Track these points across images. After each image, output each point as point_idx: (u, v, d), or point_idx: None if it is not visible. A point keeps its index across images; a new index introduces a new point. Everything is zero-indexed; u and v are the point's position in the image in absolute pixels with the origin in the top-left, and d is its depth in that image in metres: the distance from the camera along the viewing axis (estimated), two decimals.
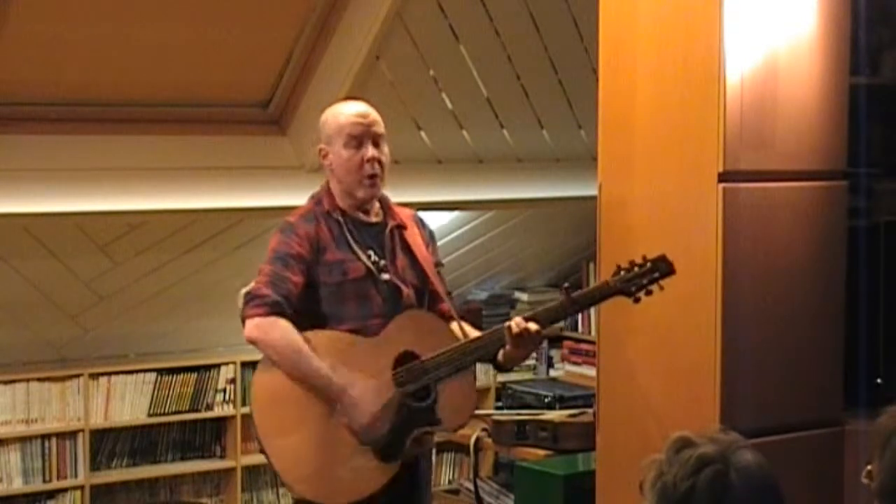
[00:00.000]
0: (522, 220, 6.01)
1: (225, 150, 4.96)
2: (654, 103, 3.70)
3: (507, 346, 3.39)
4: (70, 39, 4.44)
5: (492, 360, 3.48)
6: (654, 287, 3.37)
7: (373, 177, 3.44)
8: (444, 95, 5.23)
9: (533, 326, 3.35)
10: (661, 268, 3.38)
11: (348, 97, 3.67)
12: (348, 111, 3.50)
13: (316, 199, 3.51)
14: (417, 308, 3.52)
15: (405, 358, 3.41)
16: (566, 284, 3.46)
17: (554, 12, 5.13)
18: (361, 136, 3.44)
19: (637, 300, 3.38)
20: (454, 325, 3.53)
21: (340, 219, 3.45)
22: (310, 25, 4.81)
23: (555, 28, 5.19)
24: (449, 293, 3.61)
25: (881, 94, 4.09)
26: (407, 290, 3.48)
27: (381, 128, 3.48)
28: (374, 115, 3.49)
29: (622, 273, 3.38)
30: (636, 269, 3.38)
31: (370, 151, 3.43)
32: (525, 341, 3.37)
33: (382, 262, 3.47)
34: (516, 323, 3.36)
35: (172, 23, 4.52)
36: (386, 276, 3.46)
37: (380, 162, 3.45)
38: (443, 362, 3.40)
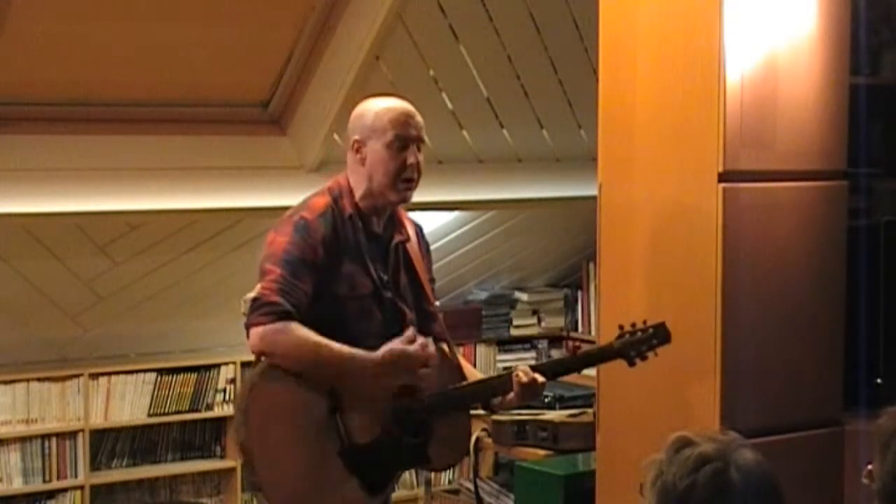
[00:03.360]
0: (522, 220, 6.01)
1: (225, 150, 4.95)
2: (654, 103, 3.70)
3: (511, 395, 3.32)
4: (70, 39, 4.44)
5: (485, 402, 3.43)
6: (650, 353, 3.40)
7: (409, 181, 3.29)
8: (444, 95, 5.23)
9: (540, 378, 3.31)
10: (660, 336, 3.39)
11: (374, 95, 3.53)
12: (399, 110, 3.32)
13: (334, 196, 3.31)
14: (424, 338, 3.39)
15: (405, 390, 3.31)
16: (576, 343, 3.46)
17: (554, 12, 5.13)
18: (408, 139, 3.28)
19: (632, 364, 3.41)
20: (443, 346, 3.45)
21: (360, 225, 3.30)
22: (310, 25, 4.81)
23: (555, 28, 5.18)
24: (440, 310, 3.55)
25: (881, 94, 4.09)
26: (410, 314, 3.38)
27: (424, 134, 3.36)
28: (420, 118, 3.35)
29: (626, 336, 3.39)
30: (638, 334, 3.38)
31: (413, 157, 3.29)
32: (530, 391, 3.32)
33: (386, 279, 3.35)
34: (524, 372, 3.31)
35: (173, 23, 4.52)
36: (388, 295, 3.34)
37: (419, 169, 3.31)
38: (443, 401, 3.32)
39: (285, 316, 3.16)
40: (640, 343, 3.38)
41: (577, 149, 5.63)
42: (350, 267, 3.27)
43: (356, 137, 3.31)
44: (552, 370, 3.46)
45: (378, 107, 3.33)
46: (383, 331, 3.30)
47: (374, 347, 3.26)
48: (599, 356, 3.56)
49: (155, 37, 4.54)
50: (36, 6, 4.26)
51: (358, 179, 3.31)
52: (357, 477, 3.25)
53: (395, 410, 3.29)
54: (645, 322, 3.40)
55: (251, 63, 4.85)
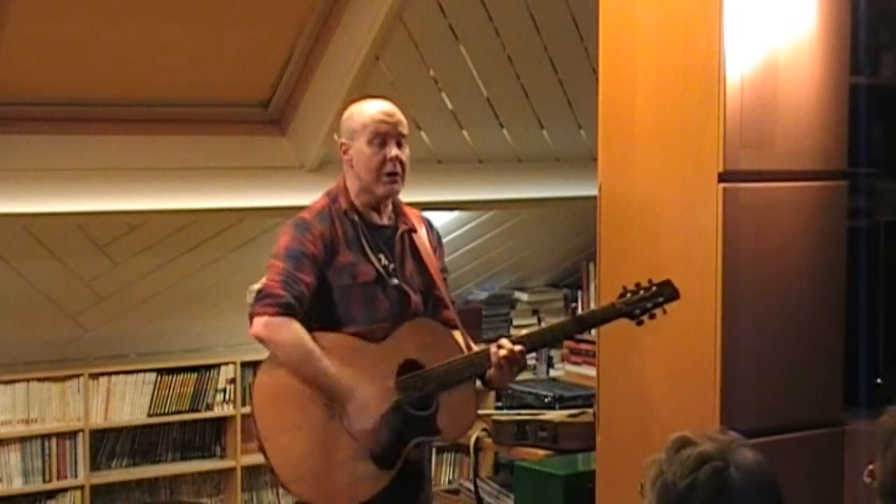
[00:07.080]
0: (522, 220, 6.01)
1: (225, 150, 4.95)
2: (654, 103, 3.70)
3: (491, 369, 3.38)
4: (70, 39, 4.44)
5: (481, 376, 3.47)
6: (658, 311, 3.39)
7: (393, 174, 3.44)
8: (444, 95, 5.23)
9: (518, 348, 3.36)
10: (666, 292, 3.39)
11: (369, 96, 3.64)
12: (375, 108, 3.49)
13: (332, 197, 3.50)
14: (424, 316, 3.51)
15: (409, 366, 3.41)
16: (573, 305, 3.47)
17: (554, 12, 5.13)
18: (386, 134, 3.44)
19: (640, 323, 3.40)
20: (457, 334, 3.53)
21: (356, 219, 3.45)
22: (310, 25, 4.81)
23: (555, 28, 5.19)
24: (452, 301, 3.62)
25: (881, 94, 4.09)
26: (415, 297, 3.49)
27: (405, 129, 3.50)
28: (400, 115, 3.50)
29: (628, 295, 3.40)
30: (641, 292, 3.39)
31: (393, 151, 3.44)
32: (510, 363, 3.36)
33: (392, 267, 3.47)
34: (500, 344, 3.37)
35: (173, 23, 4.52)
36: (395, 281, 3.46)
37: (401, 162, 3.45)
38: (445, 373, 3.40)
39: (287, 308, 3.33)
40: (645, 300, 3.38)
41: (577, 149, 5.63)
42: (351, 257, 3.43)
43: (343, 140, 3.53)
44: (542, 338, 3.53)
45: (360, 108, 3.53)
46: (390, 316, 3.45)
47: (383, 332, 3.42)
48: (602, 317, 3.54)
49: (155, 37, 4.54)
50: (36, 6, 4.26)
51: (351, 179, 3.51)
52: (369, 452, 3.35)
53: (400, 385, 3.39)
54: (650, 281, 3.40)
55: (251, 63, 4.85)
